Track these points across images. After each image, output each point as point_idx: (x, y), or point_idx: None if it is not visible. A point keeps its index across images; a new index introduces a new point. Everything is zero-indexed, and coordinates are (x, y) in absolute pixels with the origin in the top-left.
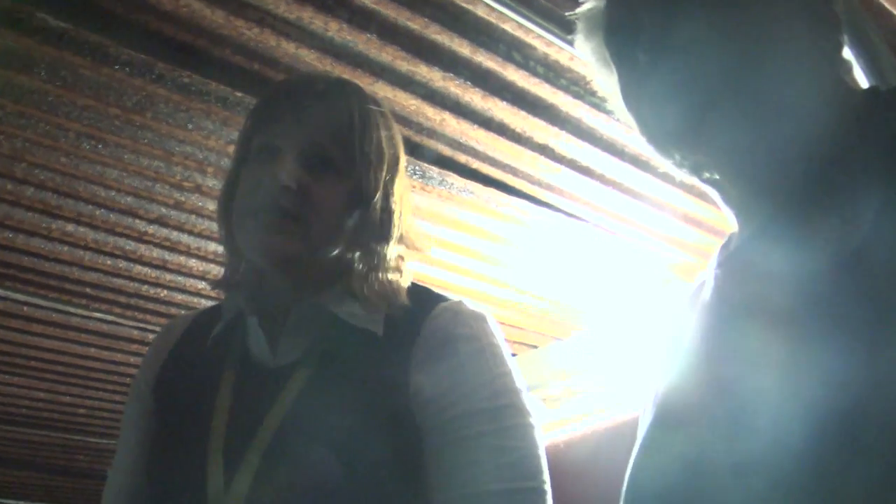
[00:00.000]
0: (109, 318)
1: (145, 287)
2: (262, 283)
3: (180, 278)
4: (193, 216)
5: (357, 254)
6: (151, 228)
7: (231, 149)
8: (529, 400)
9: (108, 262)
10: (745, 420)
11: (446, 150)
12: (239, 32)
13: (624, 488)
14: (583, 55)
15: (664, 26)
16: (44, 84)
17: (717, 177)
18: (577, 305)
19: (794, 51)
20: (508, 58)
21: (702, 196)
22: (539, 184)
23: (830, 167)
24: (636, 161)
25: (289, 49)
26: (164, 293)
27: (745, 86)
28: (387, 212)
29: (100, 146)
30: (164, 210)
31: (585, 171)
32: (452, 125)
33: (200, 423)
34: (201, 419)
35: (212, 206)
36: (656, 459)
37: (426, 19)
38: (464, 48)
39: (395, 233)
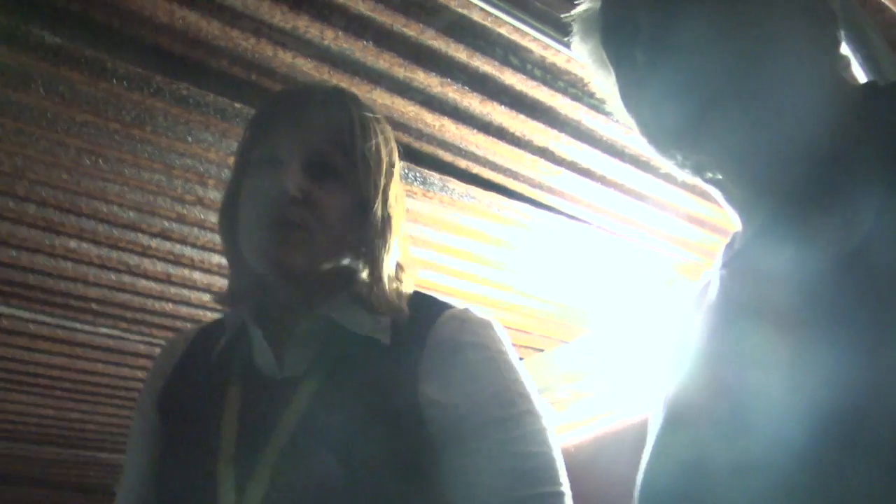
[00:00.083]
0: (115, 332)
1: (150, 301)
2: (266, 294)
3: (185, 291)
4: (196, 229)
5: (359, 261)
6: (154, 242)
7: (231, 160)
8: (542, 404)
9: (113, 276)
10: (745, 420)
11: (446, 156)
12: (235, 43)
13: (637, 492)
14: (580, 57)
15: (662, 26)
16: (42, 100)
17: (720, 176)
18: (582, 308)
19: (792, 48)
20: (505, 61)
21: (704, 195)
22: (540, 187)
23: (831, 165)
24: (637, 162)
25: (286, 59)
26: (169, 306)
27: (745, 84)
28: (385, 218)
29: (100, 161)
30: (166, 223)
31: (586, 173)
32: (451, 130)
33: (208, 437)
34: (209, 433)
35: (214, 218)
36: (668, 462)
37: (422, 25)
38: (460, 53)
39: (393, 239)
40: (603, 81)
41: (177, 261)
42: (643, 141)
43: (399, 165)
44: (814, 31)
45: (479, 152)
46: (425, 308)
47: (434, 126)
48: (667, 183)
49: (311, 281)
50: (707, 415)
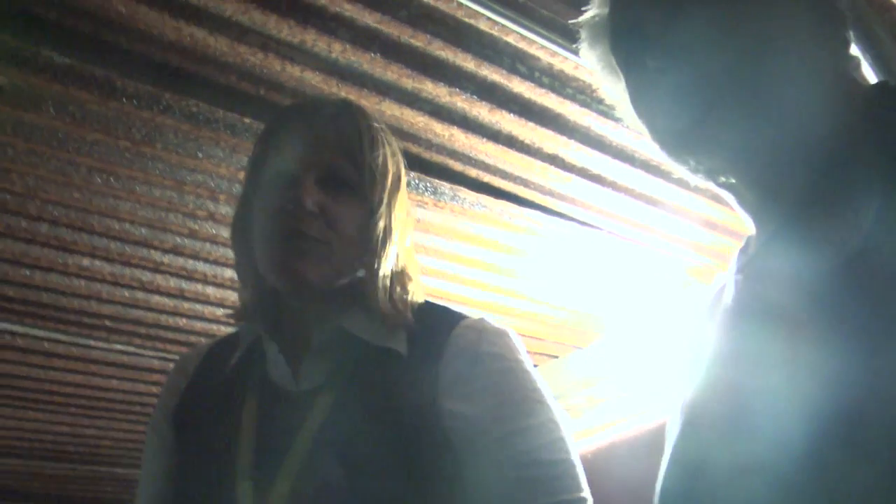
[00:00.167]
0: (130, 349)
1: (164, 317)
2: (281, 308)
3: (198, 306)
4: (208, 244)
5: (371, 272)
6: (167, 258)
7: (242, 175)
8: (560, 412)
9: (126, 293)
10: (747, 421)
11: (457, 165)
12: (243, 59)
13: (656, 499)
14: (588, 63)
15: (671, 31)
16: (52, 121)
17: (733, 181)
18: (596, 313)
19: (801, 50)
20: (513, 70)
21: (716, 199)
22: (551, 194)
23: (838, 166)
24: (647, 166)
25: (294, 73)
26: (183, 322)
27: (754, 86)
28: (387, 228)
29: (111, 179)
30: (178, 239)
31: (597, 179)
32: (461, 140)
33: (226, 452)
34: (226, 447)
35: (226, 233)
36: (681, 466)
37: (429, 36)
38: (468, 63)
39: (393, 248)
40: (612, 87)
41: (190, 276)
42: (654, 146)
43: (405, 176)
44: (822, 33)
45: (490, 161)
46: (441, 318)
47: (443, 136)
48: (678, 187)
49: (327, 293)
50: (717, 418)
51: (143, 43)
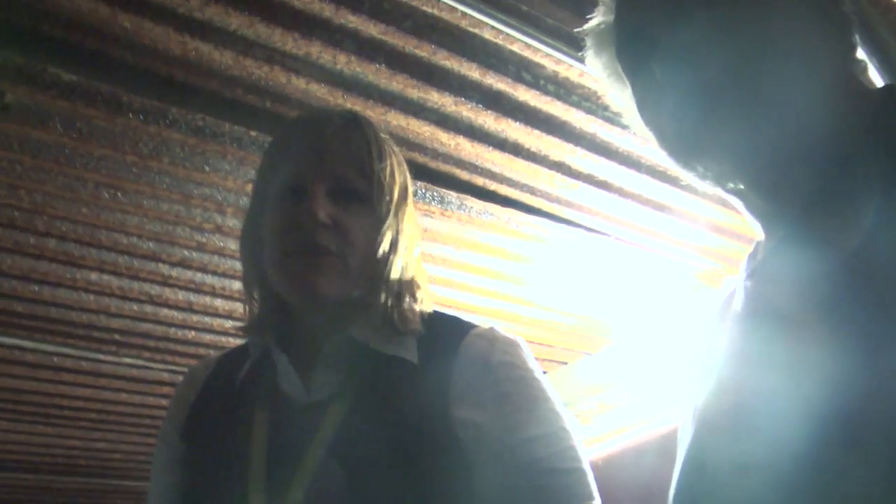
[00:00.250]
0: (139, 362)
1: (173, 330)
2: (290, 319)
3: (207, 319)
4: (216, 257)
5: (381, 282)
6: (175, 272)
7: (249, 188)
8: (571, 419)
9: (135, 307)
10: (747, 421)
11: (463, 174)
12: (249, 72)
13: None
14: (594, 71)
15: (676, 36)
16: (60, 137)
17: (741, 186)
18: (605, 319)
19: (804, 52)
20: (519, 78)
21: (723, 203)
22: (558, 201)
23: (845, 168)
24: (654, 172)
25: (299, 85)
26: (192, 334)
27: (756, 88)
28: (395, 238)
29: (119, 194)
30: (186, 253)
31: (603, 186)
32: (467, 149)
33: (237, 464)
34: (238, 460)
35: (233, 245)
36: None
37: (434, 46)
38: (473, 72)
39: (411, 258)
40: (618, 94)
41: (198, 289)
42: (662, 153)
43: (412, 186)
44: (827, 36)
45: (496, 169)
46: (451, 327)
47: (449, 145)
48: (685, 192)
49: (337, 304)
50: (721, 421)
51: (149, 58)
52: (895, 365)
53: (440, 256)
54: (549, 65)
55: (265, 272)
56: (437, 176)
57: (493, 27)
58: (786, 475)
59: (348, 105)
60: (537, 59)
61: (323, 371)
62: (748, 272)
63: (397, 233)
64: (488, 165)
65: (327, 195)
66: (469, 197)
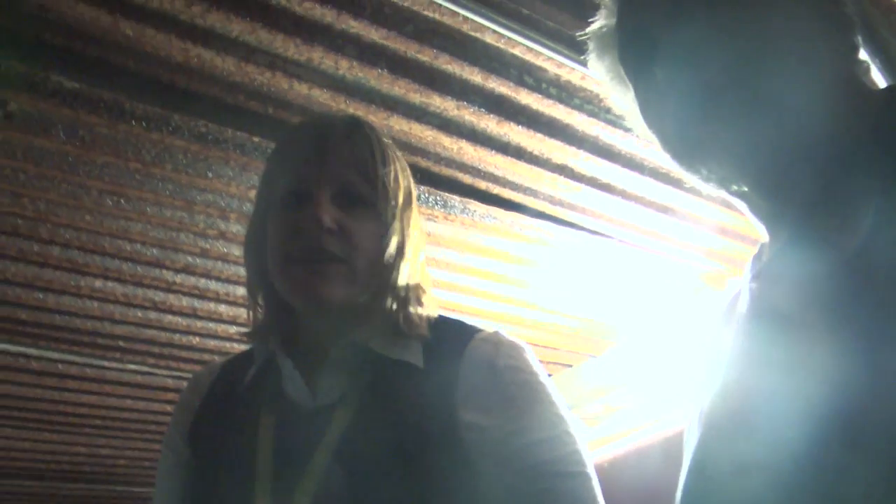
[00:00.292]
0: (144, 369)
1: (177, 336)
2: (296, 325)
3: (211, 324)
4: (220, 262)
5: (387, 287)
6: (179, 278)
7: (252, 193)
8: (576, 423)
9: (139, 314)
10: (747, 421)
11: (466, 178)
12: (251, 78)
13: None
14: (597, 74)
15: (677, 38)
16: (63, 145)
17: (745, 189)
18: (609, 321)
19: (804, 53)
20: (520, 82)
21: (727, 204)
22: (561, 204)
23: (846, 168)
24: (657, 174)
25: (301, 90)
26: (196, 340)
27: (755, 88)
28: (401, 243)
29: (122, 201)
30: (190, 259)
31: (606, 188)
32: (470, 153)
33: (243, 468)
34: (243, 464)
35: (237, 251)
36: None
37: (435, 50)
38: (475, 76)
39: (407, 263)
40: (621, 98)
41: (202, 295)
42: (665, 155)
43: (415, 190)
44: (829, 38)
45: (499, 173)
46: (456, 331)
47: (452, 149)
48: (688, 194)
49: (343, 309)
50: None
51: (151, 65)
52: (894, 365)
53: (444, 260)
54: (551, 68)
55: (270, 277)
56: (439, 180)
57: (494, 31)
58: (786, 475)
59: (350, 110)
60: (539, 62)
61: (328, 375)
62: (753, 274)
63: (403, 237)
64: (491, 169)
65: (332, 200)
66: (472, 201)
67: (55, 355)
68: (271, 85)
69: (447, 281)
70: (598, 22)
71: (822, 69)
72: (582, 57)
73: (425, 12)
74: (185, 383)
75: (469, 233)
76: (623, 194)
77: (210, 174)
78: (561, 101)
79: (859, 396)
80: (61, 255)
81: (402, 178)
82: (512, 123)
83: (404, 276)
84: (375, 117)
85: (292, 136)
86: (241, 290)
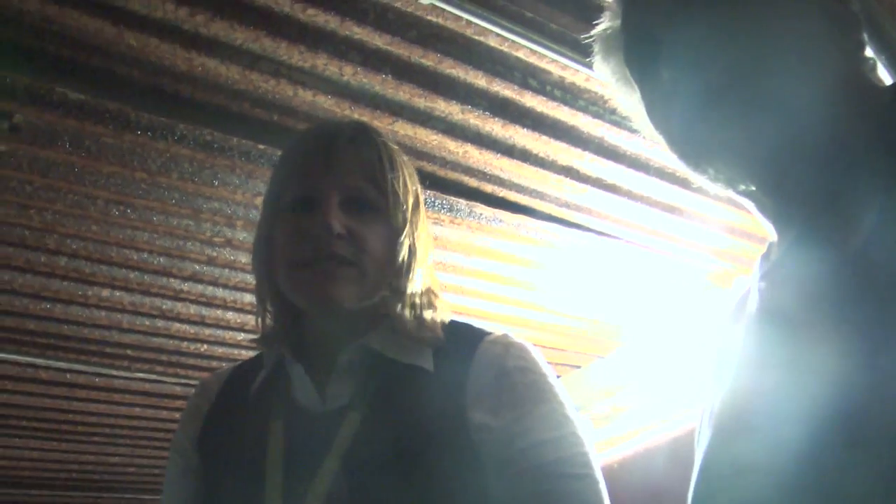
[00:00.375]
0: (152, 377)
1: (185, 343)
2: (305, 330)
3: (219, 332)
4: (227, 270)
5: (399, 292)
6: (186, 286)
7: (258, 200)
8: (584, 426)
9: (147, 322)
10: (746, 421)
11: (472, 182)
12: (255, 86)
13: None
14: (602, 76)
15: (684, 41)
16: (69, 156)
17: (753, 188)
18: (617, 322)
19: (810, 51)
20: (525, 85)
21: (733, 203)
22: (567, 206)
23: (851, 167)
24: (662, 174)
25: (306, 97)
26: (204, 348)
27: (759, 86)
28: (412, 247)
29: (129, 211)
30: (197, 267)
31: (612, 189)
32: (475, 156)
33: (253, 473)
34: (254, 469)
35: (244, 258)
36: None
37: (439, 55)
38: (479, 79)
39: (419, 266)
40: (627, 99)
41: (209, 302)
42: (671, 156)
43: (423, 195)
44: (834, 36)
45: (504, 176)
46: (465, 335)
47: (458, 153)
48: (695, 193)
49: (354, 313)
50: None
51: (156, 75)
52: (894, 365)
53: (451, 264)
54: (555, 70)
55: (279, 283)
56: (446, 184)
57: (497, 34)
58: (786, 475)
59: (355, 116)
60: (543, 64)
61: (338, 380)
62: (762, 273)
63: (414, 242)
64: (497, 172)
65: (340, 206)
66: (478, 204)
67: (63, 365)
68: (276, 92)
69: (455, 284)
70: (603, 24)
71: (825, 67)
72: (587, 59)
73: (428, 17)
74: (193, 391)
75: (475, 236)
76: (629, 195)
77: (216, 182)
78: (565, 103)
79: (861, 396)
80: (68, 266)
81: (411, 183)
82: (517, 126)
83: (416, 280)
84: (380, 123)
85: (299, 142)
86: (248, 297)
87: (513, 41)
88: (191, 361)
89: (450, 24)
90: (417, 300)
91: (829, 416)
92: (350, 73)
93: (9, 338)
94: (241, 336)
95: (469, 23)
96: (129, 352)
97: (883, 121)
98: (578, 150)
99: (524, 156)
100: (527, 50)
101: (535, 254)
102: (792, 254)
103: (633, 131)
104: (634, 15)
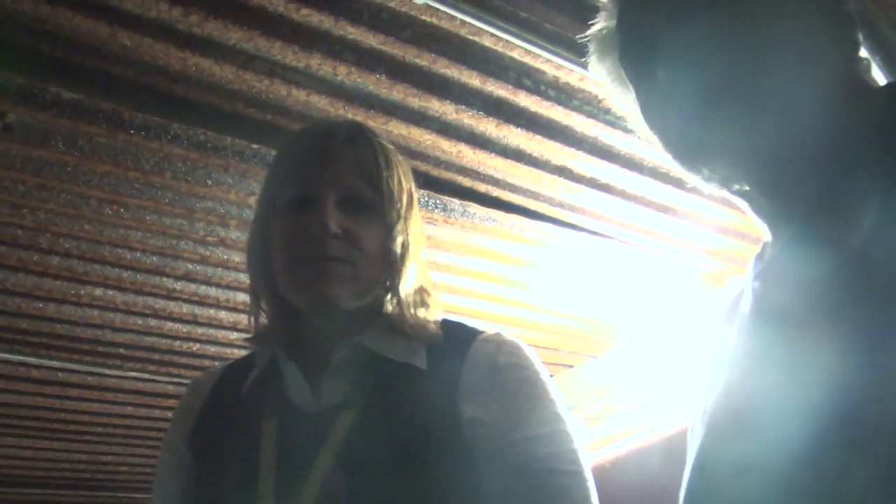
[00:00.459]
0: (144, 376)
1: (178, 342)
2: (299, 328)
3: (211, 331)
4: (220, 269)
5: (392, 290)
6: (179, 285)
7: (252, 200)
8: (575, 425)
9: (139, 321)
10: (746, 421)
11: (466, 181)
12: (249, 86)
13: None
14: (598, 76)
15: (679, 39)
16: (62, 155)
17: (747, 188)
18: (611, 322)
19: (807, 51)
20: (519, 84)
21: (727, 203)
22: (561, 205)
23: (849, 167)
24: (656, 174)
25: (300, 97)
26: (196, 347)
27: (758, 87)
28: (405, 245)
29: (122, 210)
30: (190, 266)
31: (606, 189)
32: (469, 156)
33: (246, 471)
34: (246, 467)
35: (237, 257)
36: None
37: (433, 55)
38: (474, 79)
39: (412, 264)
40: (623, 99)
41: (202, 301)
42: (666, 156)
43: (416, 194)
44: (830, 35)
45: (498, 175)
46: (459, 333)
47: (451, 153)
48: (688, 193)
49: (350, 313)
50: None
51: (150, 75)
52: (894, 365)
53: (444, 263)
54: (549, 70)
55: (274, 282)
56: (439, 184)
57: (492, 34)
58: (786, 475)
59: (349, 116)
60: (537, 64)
61: (332, 378)
62: (756, 273)
63: (407, 240)
64: (491, 172)
65: (337, 205)
66: (472, 203)
67: (56, 364)
68: (270, 92)
69: (448, 284)
70: (599, 24)
71: (824, 67)
72: (582, 59)
73: (423, 17)
74: (185, 389)
75: (469, 236)
76: (623, 195)
77: (209, 182)
78: (560, 102)
79: (860, 396)
80: (61, 265)
81: (405, 181)
82: (511, 126)
83: (410, 278)
84: (374, 122)
85: (296, 141)
86: (241, 296)
87: (507, 41)
88: (183, 360)
89: (444, 24)
90: (410, 298)
91: (828, 417)
92: (344, 73)
93: (1, 336)
94: (233, 335)
95: (463, 23)
96: (121, 350)
97: (880, 121)
98: (572, 150)
99: (518, 155)
100: (521, 50)
101: (529, 253)
102: (787, 253)
103: (627, 131)
104: (630, 15)
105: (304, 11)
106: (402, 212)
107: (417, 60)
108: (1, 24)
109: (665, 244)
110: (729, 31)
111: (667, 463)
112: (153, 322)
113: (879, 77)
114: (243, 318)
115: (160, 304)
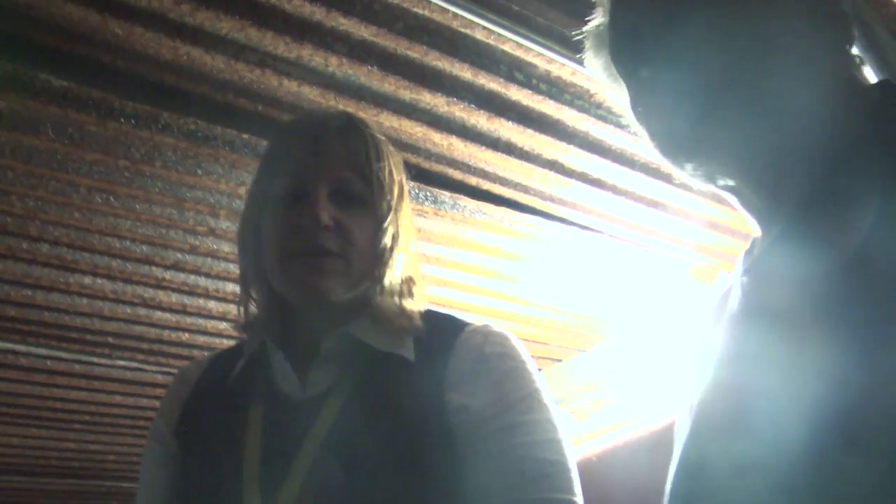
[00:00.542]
0: (133, 365)
1: (166, 332)
2: (289, 318)
3: (200, 321)
4: (209, 259)
5: (381, 280)
6: (168, 274)
7: (242, 190)
8: (560, 416)
9: (128, 310)
10: (746, 421)
11: (456, 174)
12: (241, 76)
13: (665, 501)
14: (594, 72)
15: (664, 38)
16: (52, 143)
17: (732, 183)
18: (599, 316)
19: (801, 50)
20: (511, 78)
21: (717, 199)
22: (551, 199)
23: (843, 165)
24: (647, 169)
25: (291, 88)
26: (185, 336)
27: (754, 87)
28: (395, 236)
29: (111, 199)
30: (179, 256)
31: (597, 183)
32: (460, 149)
33: (232, 460)
34: (232, 455)
35: (227, 247)
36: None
37: (425, 47)
38: (465, 72)
39: (400, 255)
40: (617, 95)
41: (191, 291)
42: (655, 151)
43: (407, 185)
44: (824, 33)
45: (489, 168)
46: (447, 325)
47: (442, 145)
48: (679, 189)
49: (340, 304)
50: (719, 419)
51: (140, 63)
52: (893, 364)
53: (434, 256)
54: (541, 64)
55: (265, 273)
56: (430, 176)
57: (484, 27)
58: (785, 475)
59: (340, 107)
60: (529, 58)
61: (319, 367)
62: (744, 269)
63: (397, 231)
64: (481, 165)
65: (328, 198)
66: (462, 196)
67: (44, 352)
68: (261, 82)
69: (438, 277)
70: (595, 20)
71: (822, 67)
72: (574, 54)
73: (415, 9)
74: (172, 378)
75: (459, 228)
76: (614, 189)
77: (200, 171)
78: (551, 96)
79: (858, 396)
80: (50, 253)
81: (396, 173)
82: (502, 119)
83: (399, 269)
84: (365, 114)
85: (286, 133)
86: (230, 287)
87: (499, 34)
88: (172, 350)
89: (436, 17)
90: (396, 288)
91: (828, 417)
92: (335, 65)
93: None
94: (222, 325)
95: (456, 15)
96: (110, 339)
97: (875, 119)
98: (563, 144)
99: (509, 149)
100: (513, 43)
101: (519, 247)
102: (775, 249)
103: (618, 126)
104: (622, 12)
105: (296, 2)
106: (393, 203)
107: (409, 52)
108: None
109: (655, 239)
110: (727, 31)
111: (654, 457)
112: (142, 311)
113: (870, 75)
114: (232, 309)
115: (149, 293)
